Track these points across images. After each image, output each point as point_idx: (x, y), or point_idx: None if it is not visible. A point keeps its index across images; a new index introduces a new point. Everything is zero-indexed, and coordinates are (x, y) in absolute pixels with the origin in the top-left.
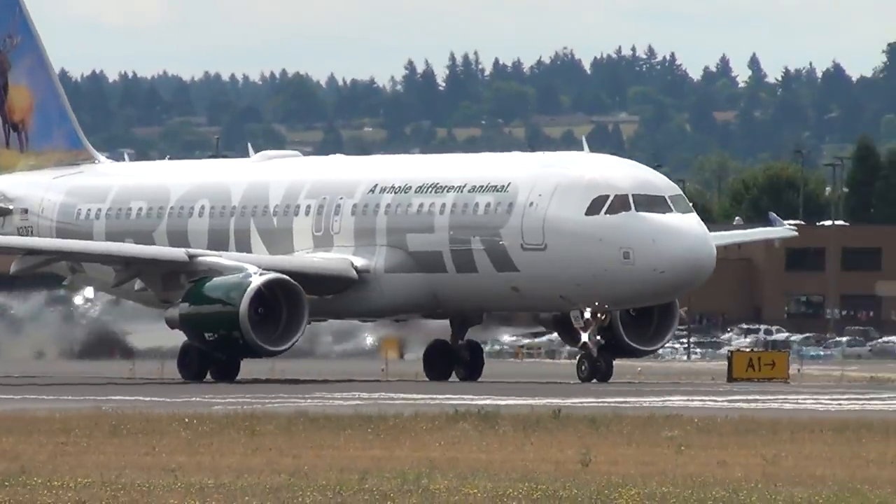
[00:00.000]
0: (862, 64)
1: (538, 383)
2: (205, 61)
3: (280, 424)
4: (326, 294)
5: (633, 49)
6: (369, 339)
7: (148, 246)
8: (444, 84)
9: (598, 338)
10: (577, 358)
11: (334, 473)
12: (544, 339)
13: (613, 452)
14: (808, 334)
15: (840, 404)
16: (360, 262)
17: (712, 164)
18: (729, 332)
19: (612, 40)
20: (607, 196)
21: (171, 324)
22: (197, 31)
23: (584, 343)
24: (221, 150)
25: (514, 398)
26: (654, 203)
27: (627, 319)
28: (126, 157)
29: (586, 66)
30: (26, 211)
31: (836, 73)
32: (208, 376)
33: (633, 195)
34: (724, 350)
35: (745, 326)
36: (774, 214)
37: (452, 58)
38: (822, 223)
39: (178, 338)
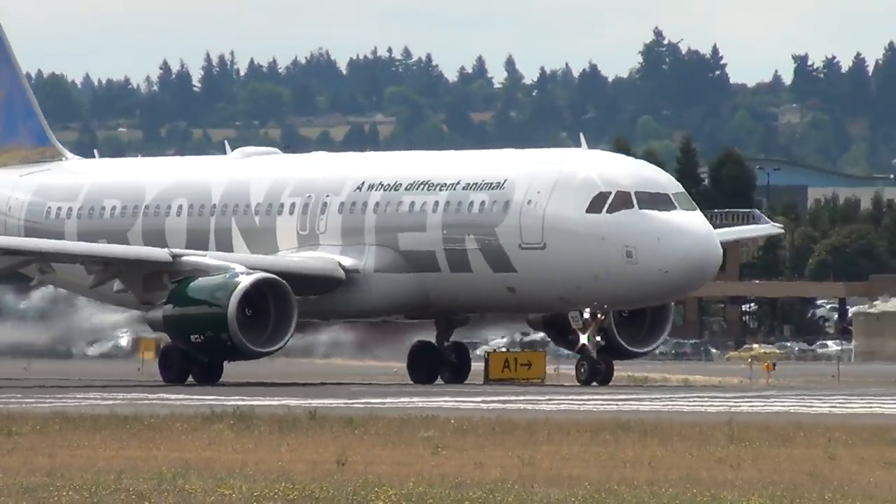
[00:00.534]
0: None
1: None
2: None
3: (36, 424)
4: (313, 294)
5: (390, 50)
6: (123, 341)
7: (130, 246)
8: (199, 85)
9: (598, 339)
10: (577, 360)
11: (90, 474)
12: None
13: (370, 453)
14: None
15: (596, 405)
16: (348, 261)
17: None
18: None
19: (368, 41)
20: (609, 193)
21: (154, 325)
22: None
23: (584, 345)
24: None
25: (269, 399)
26: (657, 200)
27: (619, 320)
28: (96, 154)
29: (342, 66)
30: None
31: (592, 74)
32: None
33: (635, 192)
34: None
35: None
36: (759, 211)
37: (208, 58)
38: None
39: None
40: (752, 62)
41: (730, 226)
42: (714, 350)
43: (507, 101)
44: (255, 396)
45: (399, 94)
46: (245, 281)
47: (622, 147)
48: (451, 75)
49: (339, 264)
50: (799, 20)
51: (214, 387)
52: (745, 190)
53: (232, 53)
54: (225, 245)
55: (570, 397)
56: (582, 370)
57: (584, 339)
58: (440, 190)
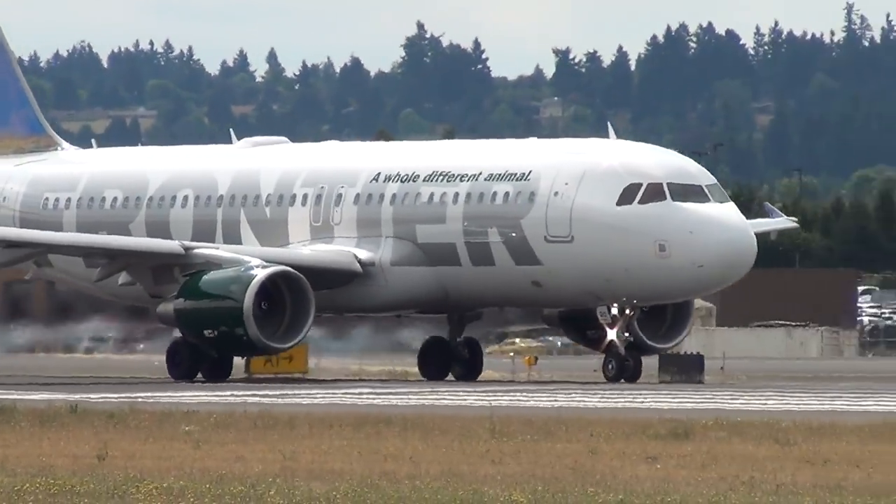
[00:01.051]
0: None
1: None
2: None
3: None
4: (327, 288)
5: (151, 43)
6: None
7: (140, 238)
8: None
9: (627, 335)
10: (604, 356)
11: None
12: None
13: (131, 447)
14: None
15: (360, 398)
16: (364, 254)
17: None
18: None
19: (130, 34)
20: (640, 184)
21: (165, 319)
22: None
23: (611, 341)
24: None
25: (31, 393)
26: (690, 192)
27: (640, 316)
28: (94, 143)
29: (104, 59)
30: None
31: (354, 68)
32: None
33: (667, 183)
34: None
35: None
36: (770, 205)
37: None
38: None
39: None
40: (515, 56)
41: None
42: None
43: (268, 94)
44: (14, 390)
45: (160, 88)
46: (261, 274)
47: (384, 139)
48: (213, 69)
49: (356, 257)
50: (561, 14)
51: None
52: None
53: None
54: (233, 237)
55: (330, 391)
56: (610, 367)
57: (612, 335)
58: (461, 181)
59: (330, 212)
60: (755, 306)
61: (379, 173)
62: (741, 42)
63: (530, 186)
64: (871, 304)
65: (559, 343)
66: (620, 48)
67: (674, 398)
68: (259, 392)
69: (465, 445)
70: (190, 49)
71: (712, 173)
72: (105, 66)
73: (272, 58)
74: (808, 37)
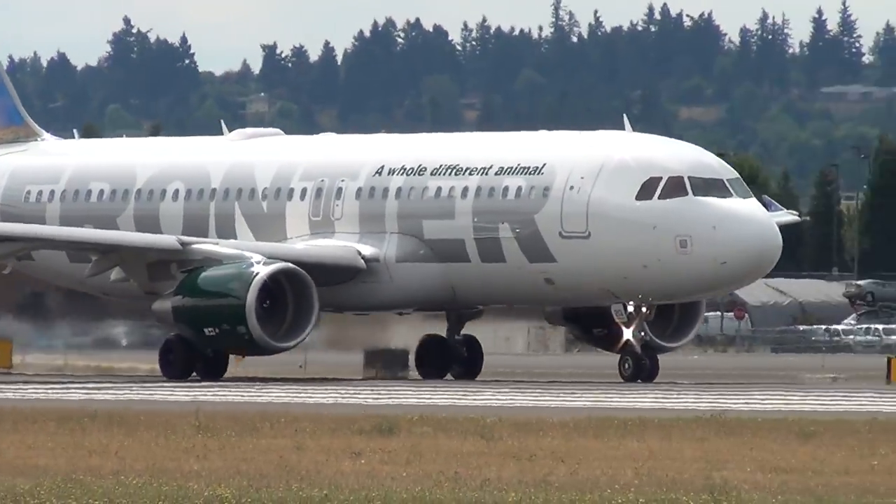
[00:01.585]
0: (87, 53)
1: None
2: None
3: None
4: (328, 284)
5: None
6: None
7: (136, 232)
8: None
9: (643, 334)
10: (620, 355)
11: None
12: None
13: None
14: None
15: (64, 392)
16: (367, 250)
17: None
18: None
19: None
20: (660, 178)
21: (161, 317)
22: None
23: (627, 340)
24: None
25: None
26: (712, 186)
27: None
28: (75, 134)
29: None
30: None
31: (60, 62)
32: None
33: (689, 178)
34: None
35: None
36: (769, 198)
37: None
38: None
39: None
40: (222, 51)
41: None
42: None
43: None
44: None
45: None
46: (263, 271)
47: (91, 134)
48: None
49: (359, 253)
50: (269, 9)
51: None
52: None
53: None
54: (227, 232)
55: (35, 387)
56: (626, 366)
57: (628, 333)
58: (470, 174)
59: (330, 206)
60: None
61: (382, 166)
62: (449, 38)
63: (544, 180)
64: None
65: None
66: (327, 43)
67: (379, 393)
68: None
69: (171, 441)
70: None
71: None
72: None
73: None
74: (517, 32)
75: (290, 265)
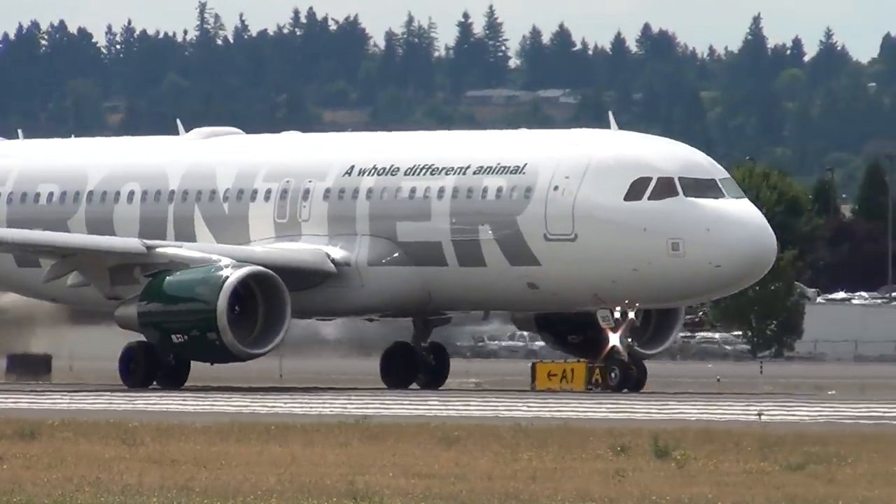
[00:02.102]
0: None
1: None
2: None
3: None
4: (296, 289)
5: None
6: None
7: (98, 235)
8: None
9: (630, 340)
10: (605, 363)
11: None
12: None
13: None
14: None
15: None
16: (337, 253)
17: None
18: None
19: None
20: (650, 179)
21: (125, 323)
22: None
23: (613, 346)
24: None
25: None
26: (704, 187)
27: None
28: (20, 133)
29: None
30: None
31: None
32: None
33: (679, 178)
34: None
35: None
36: None
37: None
38: None
39: None
40: None
41: None
42: None
43: None
44: None
45: None
46: (234, 275)
47: None
48: None
49: (328, 256)
50: None
51: None
52: None
53: None
54: (187, 235)
55: None
56: (613, 375)
57: (614, 340)
58: (446, 174)
59: (297, 208)
60: None
61: (353, 166)
62: (94, 40)
63: (526, 180)
64: None
65: None
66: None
67: (23, 398)
68: None
69: None
70: None
71: None
72: None
73: None
74: (162, 35)
75: (262, 269)
